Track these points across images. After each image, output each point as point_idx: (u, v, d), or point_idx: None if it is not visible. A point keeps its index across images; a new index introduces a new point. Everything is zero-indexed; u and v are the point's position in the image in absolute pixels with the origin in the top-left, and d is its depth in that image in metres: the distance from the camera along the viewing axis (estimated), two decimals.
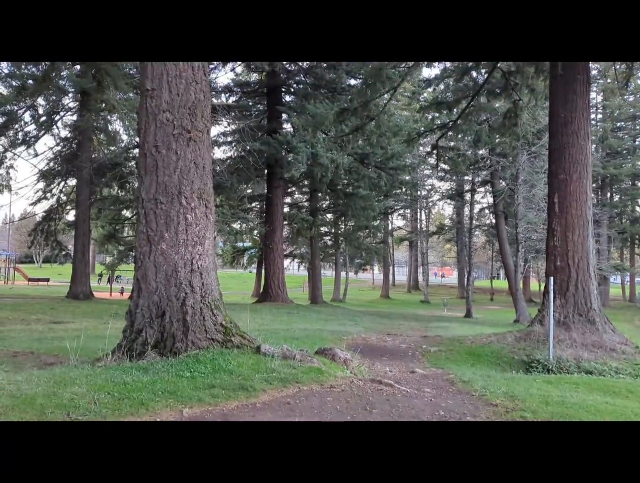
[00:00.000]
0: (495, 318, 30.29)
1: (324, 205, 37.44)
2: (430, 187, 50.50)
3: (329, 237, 40.64)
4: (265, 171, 28.72)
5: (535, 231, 28.72)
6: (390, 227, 57.54)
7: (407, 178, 35.91)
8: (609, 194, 48.52)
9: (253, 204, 37.93)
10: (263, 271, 32.50)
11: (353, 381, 6.87)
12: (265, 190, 30.38)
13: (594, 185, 41.63)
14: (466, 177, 40.75)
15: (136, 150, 22.78)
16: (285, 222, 32.26)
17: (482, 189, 45.13)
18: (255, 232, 34.27)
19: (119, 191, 27.94)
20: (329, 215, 38.88)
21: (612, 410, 5.67)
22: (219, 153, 58.94)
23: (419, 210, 50.50)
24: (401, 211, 57.49)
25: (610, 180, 44.74)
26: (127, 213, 29.31)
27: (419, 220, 51.49)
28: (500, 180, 32.48)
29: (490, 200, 43.10)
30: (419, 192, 46.13)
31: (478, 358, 11.50)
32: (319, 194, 33.50)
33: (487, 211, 50.51)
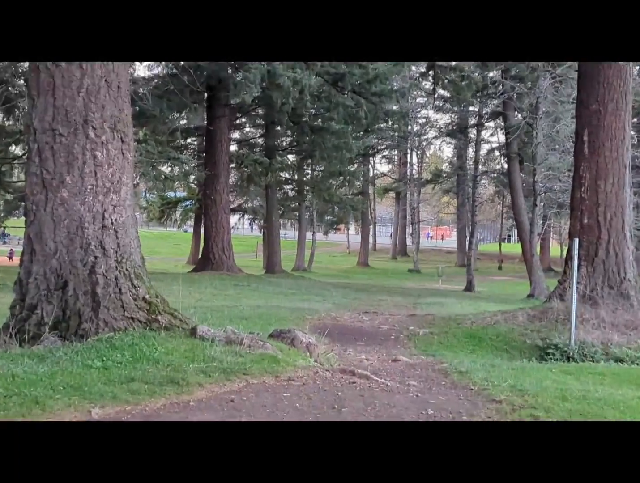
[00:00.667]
0: (504, 291, 31.00)
1: (285, 143, 37.21)
2: (424, 120, 50.63)
3: (290, 186, 40.53)
4: (205, 95, 28.25)
5: (559, 180, 29.17)
6: (371, 174, 57.81)
7: (394, 108, 35.89)
8: None
9: (189, 140, 37.49)
10: (202, 230, 32.33)
11: (318, 372, 6.97)
12: (205, 122, 29.95)
13: (634, 119, 42.17)
14: (471, 108, 40.92)
15: (27, 63, 21.93)
16: (232, 165, 32.03)
17: (491, 124, 45.56)
18: (192, 177, 33.92)
19: (4, 119, 27.18)
20: (291, 157, 38.69)
21: None
22: (141, 69, 57.59)
23: (409, 151, 50.59)
24: (386, 152, 57.70)
25: None
26: (16, 149, 28.56)
27: (409, 165, 51.61)
28: (516, 112, 32.73)
29: (502, 138, 43.57)
30: (409, 127, 46.16)
31: (480, 343, 11.79)
32: (278, 128, 33.23)
33: (497, 153, 51.15)
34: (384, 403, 5.91)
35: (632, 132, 43.53)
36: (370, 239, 59.78)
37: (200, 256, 30.90)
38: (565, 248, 50.42)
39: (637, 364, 10.37)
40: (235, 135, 39.93)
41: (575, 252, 11.62)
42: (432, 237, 79.69)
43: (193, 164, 32.64)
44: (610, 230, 13.01)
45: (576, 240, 11.83)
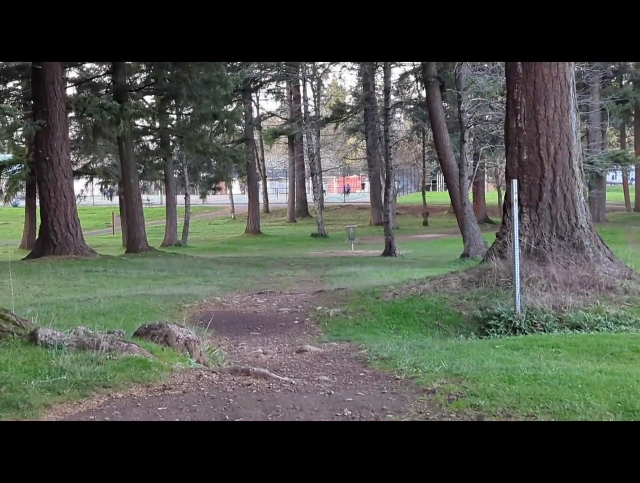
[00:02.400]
0: (433, 253, 31.71)
1: (139, 81, 36.48)
2: None
3: (151, 137, 39.86)
4: None
5: (490, 107, 29.91)
6: (255, 114, 57.49)
7: None
8: None
9: (10, 84, 36.20)
10: (38, 203, 31.41)
11: (202, 375, 6.95)
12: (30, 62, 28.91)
13: None
14: None
15: None
16: (72, 114, 31.11)
17: None
18: (18, 133, 32.80)
19: None
20: (149, 98, 37.99)
21: (609, 382, 6.17)
22: None
23: (301, 82, 50.60)
24: (272, 85, 57.48)
25: None
26: None
27: (302, 100, 51.59)
28: None
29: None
30: None
31: (405, 320, 12.05)
32: (129, 62, 32.48)
33: (412, 78, 51.89)
34: (289, 408, 5.96)
35: None
36: (261, 199, 59.77)
37: (37, 237, 30.05)
38: (504, 193, 51.99)
39: (597, 329, 10.87)
40: (73, 74, 38.82)
41: (515, 196, 11.95)
42: (348, 190, 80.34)
43: (18, 116, 31.53)
44: (556, 166, 13.45)
45: (515, 182, 12.17)
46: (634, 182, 58.90)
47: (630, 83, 51.65)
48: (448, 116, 35.79)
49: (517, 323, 11.33)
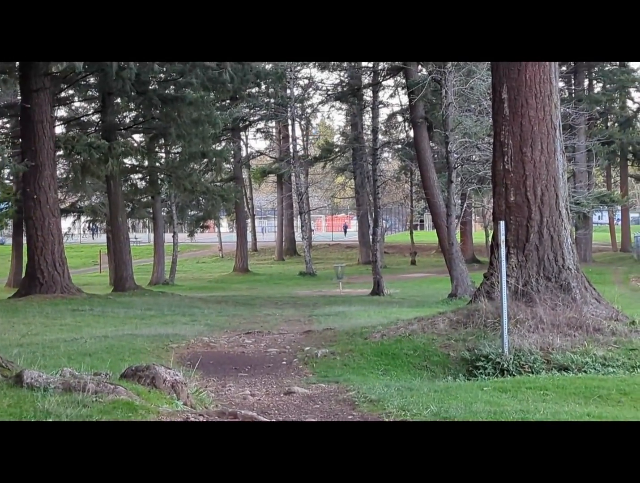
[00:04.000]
0: (421, 292, 31.75)
1: (128, 120, 36.59)
2: (306, 81, 51.09)
3: (139, 176, 39.88)
4: (17, 63, 27.39)
5: (477, 148, 30.13)
6: (244, 153, 57.73)
7: (267, 66, 35.96)
8: (586, 82, 52.08)
9: None
10: (25, 241, 31.34)
11: (189, 418, 6.89)
12: (19, 97, 29.01)
13: (563, 67, 44.29)
14: (364, 63, 41.59)
15: None
16: (60, 152, 31.13)
17: (390, 82, 46.45)
18: (6, 171, 32.76)
19: None
20: (138, 137, 38.07)
21: None
22: None
23: (290, 121, 50.88)
24: (261, 125, 57.87)
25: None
26: None
27: (291, 139, 51.90)
28: (419, 66, 33.54)
29: (405, 99, 44.52)
30: (288, 91, 46.48)
31: (393, 361, 12.03)
32: (118, 100, 32.60)
33: (399, 118, 52.23)
34: None
35: (561, 84, 45.37)
36: (249, 237, 59.79)
37: (24, 275, 29.90)
38: (491, 233, 52.17)
39: (585, 371, 10.89)
40: (62, 112, 38.93)
41: (502, 237, 12.01)
42: (346, 228, 79.96)
43: (6, 154, 31.54)
44: (543, 207, 13.53)
45: (502, 223, 12.23)
46: (619, 223, 59.23)
47: (616, 124, 52.15)
48: (435, 156, 36.05)
49: (505, 365, 11.33)
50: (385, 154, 55.61)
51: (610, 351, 11.81)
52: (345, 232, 78.56)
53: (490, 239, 48.82)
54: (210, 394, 8.92)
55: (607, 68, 50.40)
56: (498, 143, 13.92)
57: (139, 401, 7.03)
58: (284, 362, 12.37)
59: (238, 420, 6.93)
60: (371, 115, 37.81)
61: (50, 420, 6.33)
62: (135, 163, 37.14)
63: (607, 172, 60.20)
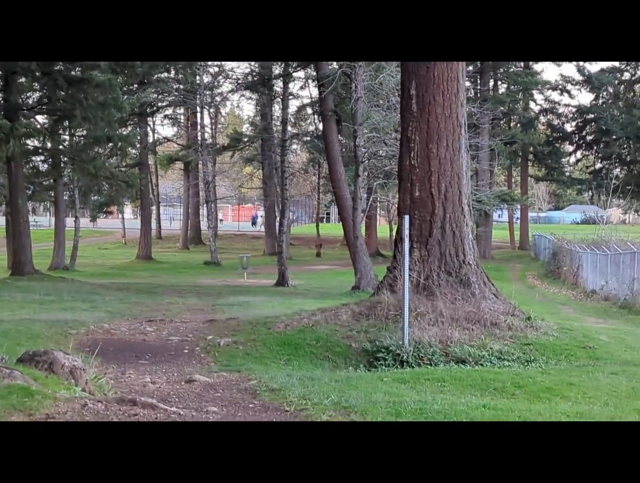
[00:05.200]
0: (325, 284, 31.94)
1: (32, 100, 35.67)
2: (217, 69, 50.72)
3: (42, 158, 38.94)
4: None
5: (384, 143, 30.46)
6: (151, 139, 56.98)
7: None
8: (491, 83, 53.16)
9: None
10: None
11: (87, 404, 6.79)
12: None
13: (470, 67, 45.04)
14: None
15: None
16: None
17: (301, 74, 46.55)
18: None
19: None
20: (41, 118, 37.17)
21: (492, 417, 6.34)
22: None
23: (199, 109, 50.38)
24: (169, 111, 57.15)
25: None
26: None
27: (200, 127, 51.39)
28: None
29: (315, 92, 44.66)
30: (198, 78, 46.02)
31: (296, 351, 12.10)
32: (22, 80, 31.79)
33: (309, 111, 52.39)
34: None
35: (467, 83, 46.14)
36: (154, 225, 59.02)
37: None
38: (395, 228, 52.75)
39: (482, 364, 11.16)
40: None
41: (407, 231, 12.18)
42: (254, 221, 79.11)
43: None
44: (446, 203, 13.78)
45: (406, 218, 12.40)
46: (519, 221, 60.72)
47: (518, 125, 53.43)
48: (343, 150, 36.23)
49: (405, 357, 11.52)
50: (294, 146, 55.69)
51: (506, 345, 12.14)
52: (255, 223, 78.06)
53: (394, 233, 49.45)
54: (110, 381, 8.80)
55: (512, 70, 51.55)
56: (405, 138, 14.09)
57: (36, 386, 6.91)
58: (186, 351, 12.29)
59: (137, 406, 6.88)
60: (281, 106, 37.85)
61: None
62: (38, 145, 36.27)
63: (508, 172, 61.62)
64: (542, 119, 58.31)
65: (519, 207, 53.98)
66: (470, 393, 8.50)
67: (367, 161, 30.79)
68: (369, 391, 7.96)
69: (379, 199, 45.24)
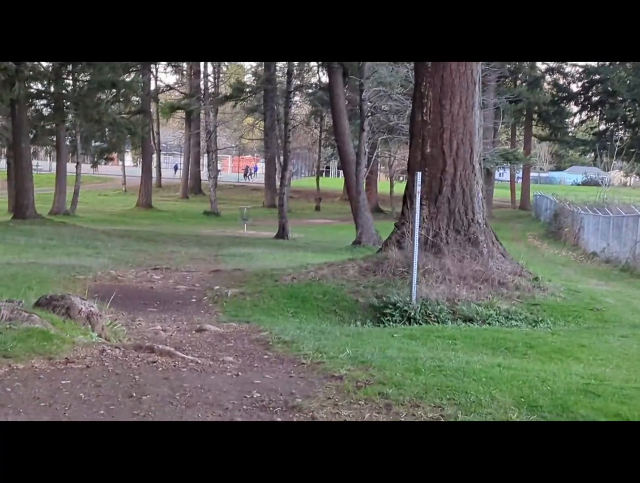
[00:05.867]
0: (325, 238, 31.94)
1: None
2: None
3: (45, 102, 38.68)
4: None
5: (390, 97, 30.23)
6: (153, 87, 56.59)
7: None
8: None
9: None
10: None
11: (105, 350, 6.83)
12: None
13: None
14: None
15: None
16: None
17: None
18: None
19: None
20: (46, 62, 36.86)
21: (511, 377, 6.35)
22: None
23: None
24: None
25: None
26: None
27: (202, 76, 51.06)
28: None
29: None
30: None
31: (303, 304, 12.13)
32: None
33: (314, 63, 51.92)
34: (196, 387, 5.92)
35: None
36: (154, 173, 58.87)
37: None
38: (396, 184, 52.78)
39: (489, 323, 11.19)
40: None
41: (418, 188, 12.14)
42: (249, 173, 78.65)
43: None
44: (457, 161, 13.72)
45: (419, 174, 12.35)
46: (520, 181, 60.62)
47: (524, 84, 53.11)
48: (348, 103, 35.94)
49: (412, 313, 11.54)
50: (297, 98, 55.31)
51: (513, 305, 12.17)
52: (249, 174, 77.77)
53: (394, 189, 49.20)
54: (123, 328, 8.83)
55: None
56: (418, 94, 14.00)
57: (54, 330, 6.94)
58: (194, 300, 12.32)
59: (155, 354, 6.91)
60: None
61: None
62: (42, 88, 36.02)
63: (512, 131, 61.38)
64: (548, 78, 57.93)
65: (521, 166, 53.83)
66: (482, 352, 8.54)
67: (371, 116, 30.62)
68: (382, 346, 7.98)
69: (380, 154, 45.09)
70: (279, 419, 5.20)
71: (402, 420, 5.20)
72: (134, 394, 5.64)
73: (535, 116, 56.15)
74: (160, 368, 6.46)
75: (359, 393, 5.76)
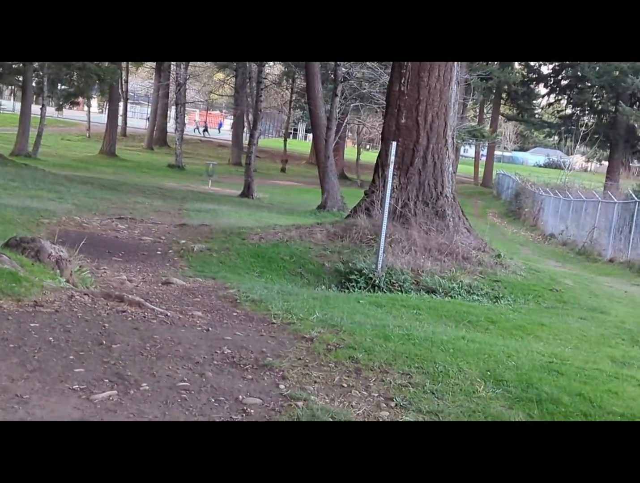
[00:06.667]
0: (289, 200, 31.91)
1: None
2: None
3: None
4: None
5: (364, 64, 30.08)
6: None
7: None
8: None
9: None
10: None
11: (74, 296, 6.79)
12: None
13: None
14: None
15: None
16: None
17: None
18: None
19: None
20: None
21: (477, 350, 6.44)
22: None
23: None
24: None
25: None
26: None
27: None
28: None
29: None
30: None
31: (269, 264, 12.12)
32: None
33: None
34: (166, 339, 5.92)
35: None
36: (120, 121, 58.14)
37: None
38: (363, 152, 52.80)
39: (451, 296, 11.28)
40: None
41: (392, 158, 12.11)
42: (206, 130, 77.68)
43: None
44: (431, 133, 13.74)
45: (394, 144, 12.32)
46: (484, 158, 60.87)
47: (496, 62, 53.11)
48: (323, 68, 35.74)
49: (377, 281, 11.58)
50: None
51: (476, 280, 12.27)
52: (204, 130, 76.67)
53: (361, 157, 49.09)
54: (89, 276, 8.76)
55: None
56: (397, 64, 13.96)
57: (23, 272, 6.88)
58: (159, 252, 12.26)
59: (124, 303, 6.87)
60: None
61: None
62: None
63: (480, 108, 61.53)
64: None
65: (486, 144, 54.06)
66: (445, 323, 8.63)
67: (344, 82, 30.48)
68: (349, 312, 8.03)
69: (349, 123, 44.99)
70: (249, 376, 5.22)
71: (371, 385, 5.25)
72: (104, 342, 5.62)
73: (504, 95, 56.29)
74: (129, 318, 6.43)
75: (329, 356, 5.80)
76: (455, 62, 14.03)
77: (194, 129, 75.20)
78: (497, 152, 73.57)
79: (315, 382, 5.21)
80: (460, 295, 11.56)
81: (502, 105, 59.67)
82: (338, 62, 28.73)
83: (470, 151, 68.14)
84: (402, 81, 13.76)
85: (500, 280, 12.44)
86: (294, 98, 55.40)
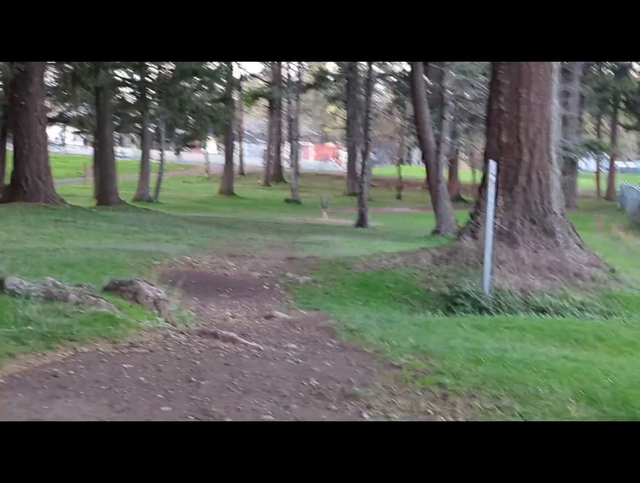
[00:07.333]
0: (405, 227, 31.81)
1: None
2: None
3: (129, 90, 39.40)
4: None
5: (472, 86, 29.90)
6: (237, 75, 57.11)
7: None
8: None
9: None
10: (11, 148, 31.06)
11: (169, 335, 6.92)
12: None
13: None
14: None
15: None
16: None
17: None
18: None
19: None
20: None
21: (573, 369, 6.22)
22: None
23: None
24: None
25: None
26: None
27: (285, 63, 51.40)
28: None
29: None
30: None
31: (374, 293, 12.08)
32: None
33: None
34: (255, 373, 5.95)
35: None
36: (237, 160, 59.53)
37: (9, 183, 29.70)
38: (478, 174, 52.17)
39: (562, 315, 10.96)
40: None
41: (492, 178, 11.95)
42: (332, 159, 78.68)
43: None
44: (533, 150, 13.48)
45: (493, 163, 12.16)
46: (605, 171, 59.31)
47: (612, 72, 51.85)
48: (429, 92, 35.67)
49: (484, 303, 11.37)
50: (379, 86, 55.17)
51: (588, 297, 11.88)
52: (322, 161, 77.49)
53: (478, 178, 48.76)
54: (191, 313, 8.95)
55: None
56: (495, 82, 13.79)
57: (120, 314, 7.06)
58: (266, 287, 12.40)
59: (218, 339, 6.98)
60: None
61: (30, 327, 6.35)
62: (126, 76, 36.68)
63: (598, 120, 60.05)
64: (636, 66, 56.38)
65: (607, 156, 52.63)
66: (551, 343, 8.38)
67: (452, 104, 30.32)
68: (448, 336, 7.91)
69: (461, 143, 44.68)
70: (334, 407, 5.20)
71: (457, 410, 5.15)
72: (193, 379, 5.70)
73: (622, 105, 54.78)
74: (222, 354, 6.51)
75: (416, 382, 5.71)
76: (555, 76, 13.75)
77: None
78: (620, 164, 71.59)
79: (400, 409, 5.14)
80: (572, 313, 11.19)
81: (621, 116, 58.11)
82: (444, 86, 28.61)
83: (591, 165, 66.50)
84: (500, 99, 13.58)
85: (615, 296, 12.00)
86: (405, 125, 55.47)
